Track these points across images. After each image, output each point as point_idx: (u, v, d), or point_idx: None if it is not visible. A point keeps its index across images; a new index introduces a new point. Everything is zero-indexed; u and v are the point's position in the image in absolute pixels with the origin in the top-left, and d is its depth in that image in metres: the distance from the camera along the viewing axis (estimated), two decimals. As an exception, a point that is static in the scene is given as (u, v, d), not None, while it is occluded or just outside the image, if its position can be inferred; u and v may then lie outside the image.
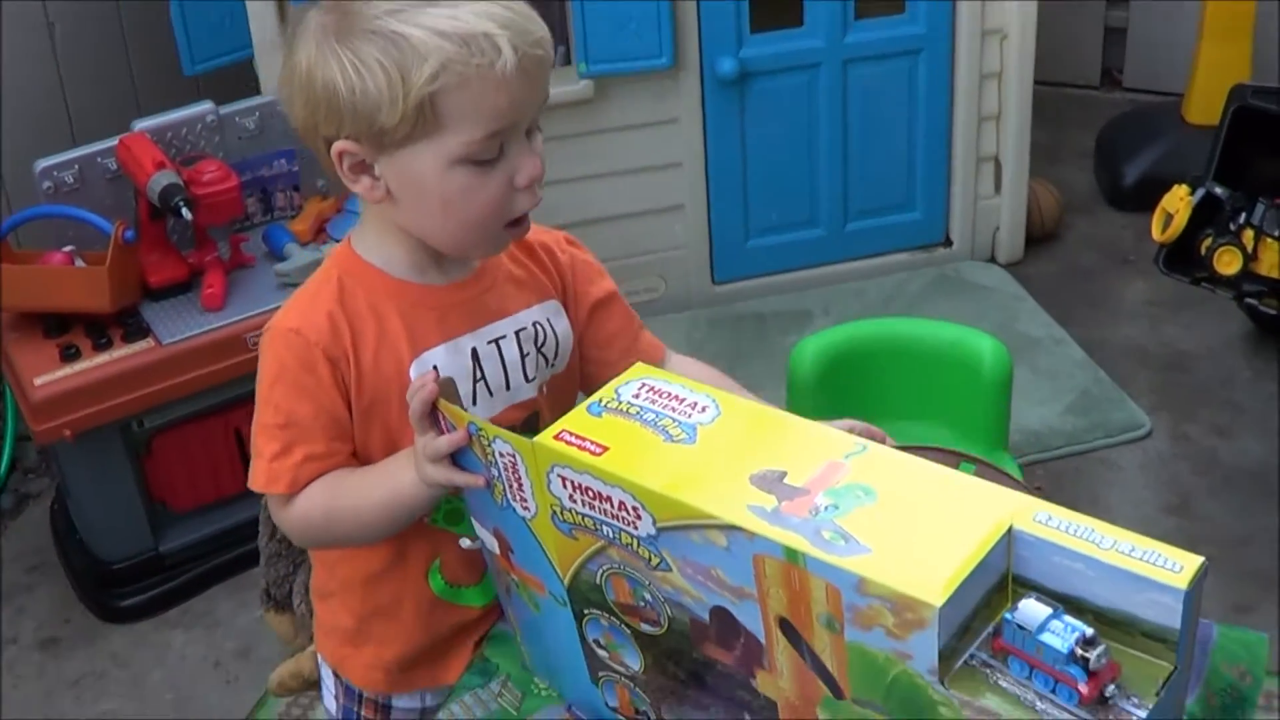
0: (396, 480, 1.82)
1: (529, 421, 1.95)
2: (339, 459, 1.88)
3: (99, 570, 3.84)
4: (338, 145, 1.77)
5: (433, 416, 1.73)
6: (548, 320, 1.99)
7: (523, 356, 1.95)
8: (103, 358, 3.55)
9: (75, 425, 3.49)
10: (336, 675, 2.16)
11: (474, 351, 1.91)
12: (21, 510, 4.30)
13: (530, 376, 1.96)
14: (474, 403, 1.91)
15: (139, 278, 3.68)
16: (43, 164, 3.72)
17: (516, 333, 1.95)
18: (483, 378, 1.92)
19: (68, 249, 3.68)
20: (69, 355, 3.53)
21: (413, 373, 1.86)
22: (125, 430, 3.63)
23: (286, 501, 1.88)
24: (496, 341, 1.93)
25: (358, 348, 1.86)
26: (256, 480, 1.89)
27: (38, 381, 3.48)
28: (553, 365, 2.00)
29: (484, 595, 2.04)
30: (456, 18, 1.69)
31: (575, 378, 2.07)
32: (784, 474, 1.50)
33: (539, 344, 1.97)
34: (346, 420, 1.88)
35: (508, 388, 1.94)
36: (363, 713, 2.15)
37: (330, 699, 2.19)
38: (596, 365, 2.07)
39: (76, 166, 3.72)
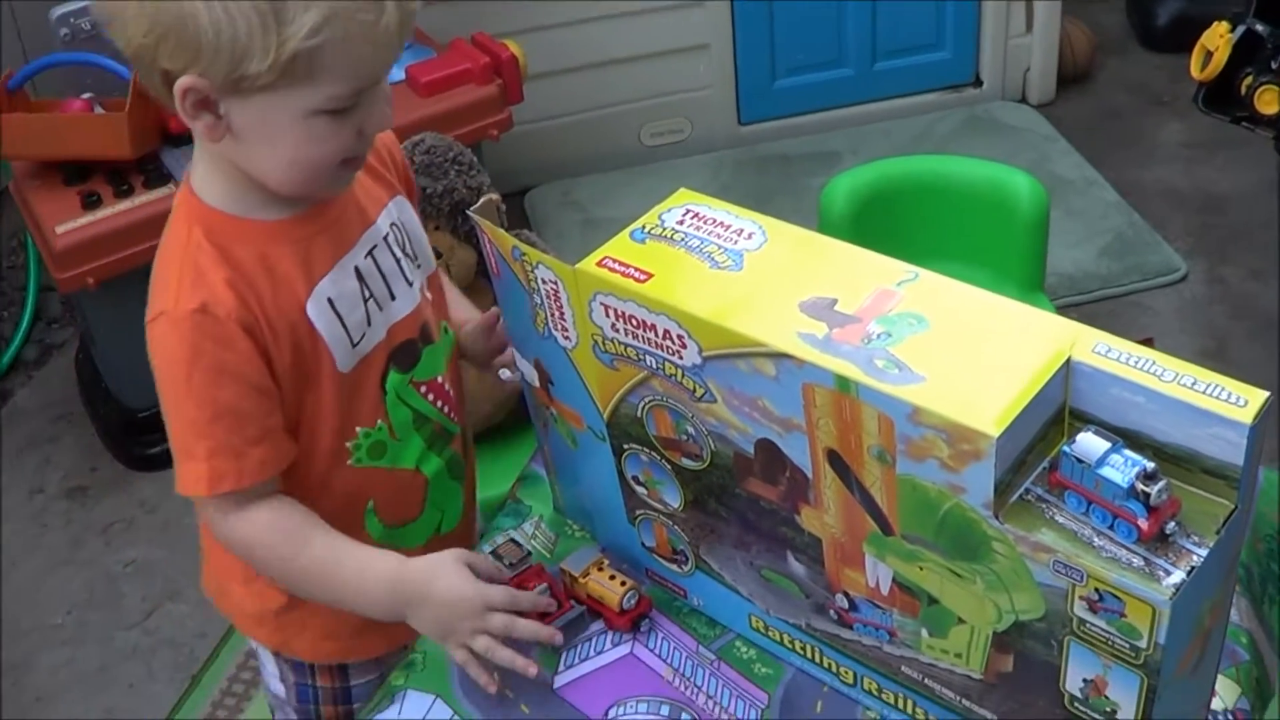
0: (364, 600, 1.77)
1: (424, 333, 1.87)
2: (277, 439, 1.74)
3: (126, 418, 3.84)
4: (184, 81, 1.55)
5: None
6: (400, 220, 1.87)
7: (398, 262, 1.84)
8: (124, 205, 3.50)
9: (98, 273, 3.46)
10: (277, 655, 2.05)
11: (357, 270, 1.78)
12: (46, 360, 4.30)
13: (410, 281, 1.85)
14: (368, 324, 1.79)
15: (159, 124, 3.63)
16: (59, 10, 3.67)
17: (384, 239, 1.83)
18: (371, 296, 1.79)
19: (86, 96, 3.64)
20: (90, 203, 3.49)
21: (310, 312, 1.73)
22: (148, 276, 3.58)
23: (233, 507, 1.73)
24: (372, 254, 1.80)
25: (263, 305, 1.70)
26: (195, 484, 1.71)
27: (59, 230, 3.45)
28: (419, 264, 1.89)
29: (423, 532, 1.96)
30: None
31: (439, 278, 1.97)
32: (834, 301, 1.46)
33: (403, 246, 1.86)
34: (274, 392, 1.73)
35: (393, 298, 1.83)
36: (318, 682, 2.05)
37: (275, 682, 2.08)
38: None
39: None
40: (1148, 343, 1.43)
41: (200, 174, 1.74)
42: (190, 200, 1.74)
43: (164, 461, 3.71)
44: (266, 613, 1.98)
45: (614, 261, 1.55)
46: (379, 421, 1.85)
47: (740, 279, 1.52)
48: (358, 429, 1.82)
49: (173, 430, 1.72)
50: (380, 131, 1.72)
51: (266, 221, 1.73)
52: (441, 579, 1.71)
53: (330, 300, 1.75)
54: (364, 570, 1.75)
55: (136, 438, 3.83)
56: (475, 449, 2.10)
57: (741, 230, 1.58)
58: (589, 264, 1.56)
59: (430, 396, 1.90)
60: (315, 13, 1.51)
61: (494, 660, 1.68)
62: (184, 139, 3.63)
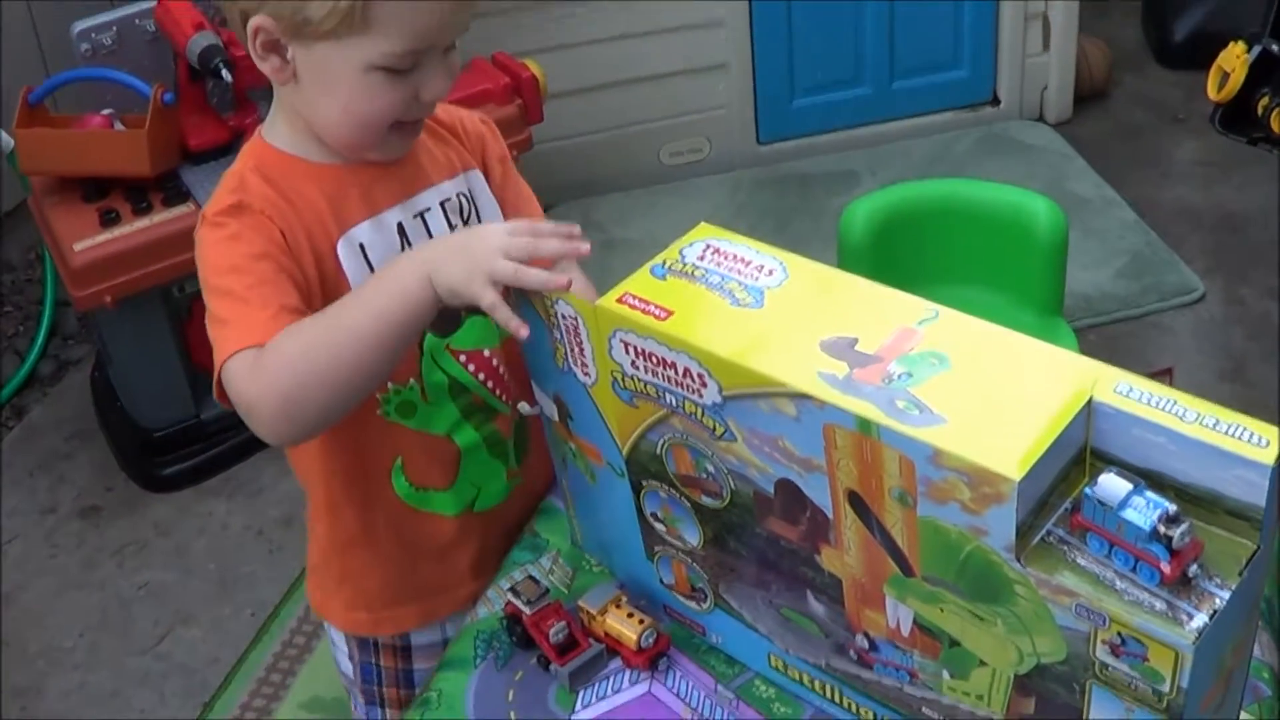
0: (398, 280, 1.66)
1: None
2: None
3: (140, 438, 3.84)
4: (255, 20, 1.69)
5: None
6: (469, 190, 1.92)
7: (450, 229, 1.87)
8: (143, 222, 3.51)
9: (115, 291, 3.46)
10: (347, 635, 2.09)
11: (400, 227, 1.84)
12: (61, 377, 4.30)
13: None
14: None
15: (179, 141, 3.64)
16: (80, 26, 3.68)
17: (442, 204, 1.88)
18: None
19: (106, 112, 3.64)
20: (109, 220, 3.49)
21: (340, 250, 1.79)
22: (166, 296, 3.60)
23: (255, 360, 1.67)
24: (422, 215, 1.86)
25: (296, 223, 1.78)
26: (229, 344, 1.67)
27: (77, 247, 3.45)
28: None
29: (455, 503, 1.98)
30: None
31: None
32: (855, 340, 1.45)
33: (464, 216, 1.90)
34: (306, 288, 1.76)
35: None
36: (382, 662, 2.08)
37: (345, 660, 2.11)
38: None
39: (115, 28, 3.68)
40: (1168, 373, 1.43)
41: (270, 120, 1.86)
42: (255, 141, 1.86)
43: (178, 482, 3.76)
44: (313, 566, 2.07)
45: (634, 298, 1.55)
46: (410, 380, 1.88)
47: (761, 316, 1.51)
48: (389, 383, 1.84)
49: (212, 310, 1.73)
50: (436, 99, 1.77)
51: (311, 161, 1.82)
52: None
53: (362, 246, 1.81)
54: (380, 274, 1.72)
55: (151, 458, 3.83)
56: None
57: (762, 266, 1.58)
58: (609, 300, 1.55)
59: (471, 367, 1.92)
60: None
61: (524, 283, 1.61)
62: (203, 156, 3.64)
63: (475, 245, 1.64)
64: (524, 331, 1.62)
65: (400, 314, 1.65)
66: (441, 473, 1.96)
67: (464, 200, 1.91)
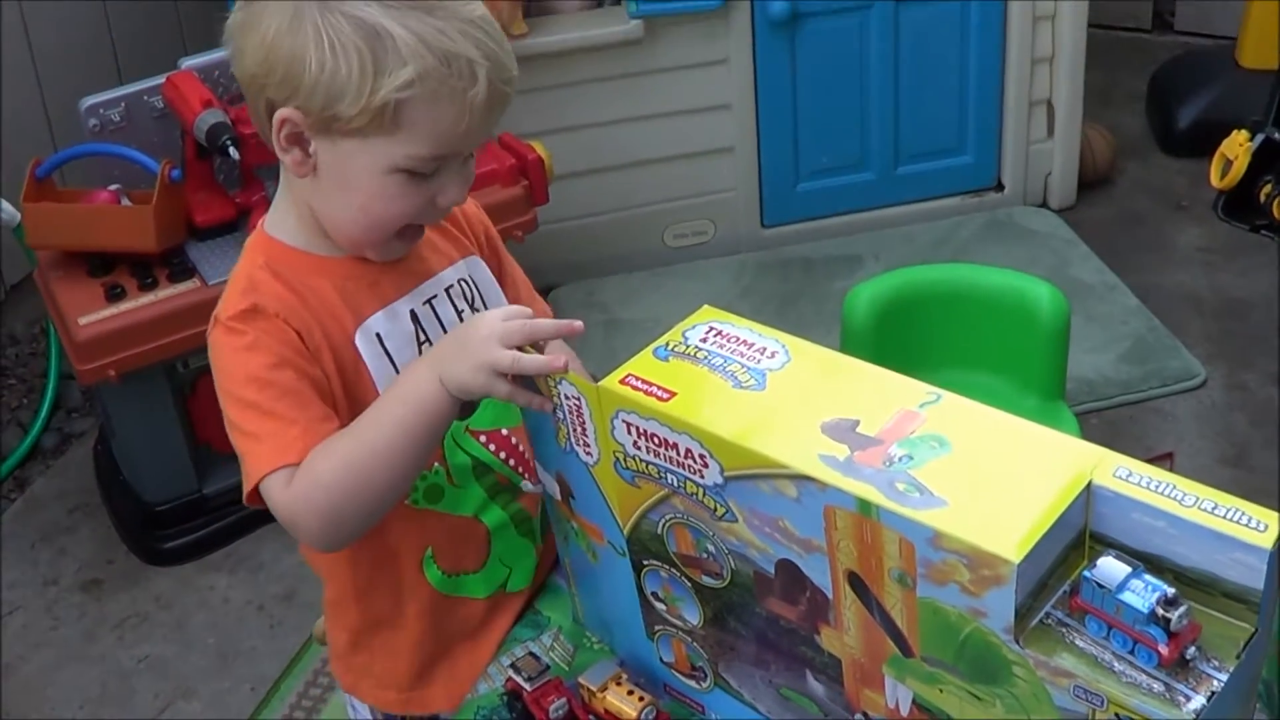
0: (411, 388, 1.70)
1: None
2: (335, 426, 1.76)
3: (142, 511, 3.83)
4: (283, 113, 1.70)
5: None
6: (470, 275, 1.95)
7: (459, 314, 1.90)
8: (148, 298, 3.52)
9: (120, 365, 3.46)
10: (368, 704, 2.09)
11: (413, 314, 1.87)
12: (64, 450, 4.30)
13: None
14: None
15: (185, 217, 3.65)
16: (89, 101, 3.69)
17: (447, 290, 1.90)
18: (426, 339, 1.86)
19: (114, 188, 3.65)
20: (114, 295, 3.50)
21: (358, 342, 1.81)
22: (170, 371, 3.61)
23: (290, 479, 1.72)
24: (430, 302, 1.88)
25: (311, 320, 1.79)
26: (263, 463, 1.72)
27: (82, 321, 3.45)
28: None
29: (486, 585, 1.99)
30: (444, 33, 1.65)
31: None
32: (856, 423, 1.47)
33: (470, 301, 1.92)
34: (329, 390, 1.79)
35: None
36: None
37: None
38: None
39: (123, 104, 3.70)
40: (1168, 458, 1.43)
41: (275, 213, 1.87)
42: (260, 236, 1.87)
43: (179, 556, 3.76)
44: (338, 651, 2.05)
45: (637, 379, 1.56)
46: (435, 465, 1.89)
47: (763, 399, 1.52)
48: None
49: (235, 422, 1.76)
50: (452, 205, 1.80)
51: (319, 255, 1.83)
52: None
53: (379, 336, 1.82)
54: (396, 384, 1.75)
55: (153, 531, 3.82)
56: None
57: (765, 349, 1.59)
58: (612, 381, 1.56)
59: (491, 447, 1.94)
60: (411, 68, 1.64)
61: (523, 370, 1.64)
62: (209, 233, 3.66)
63: (472, 338, 1.67)
64: (549, 405, 1.66)
65: (420, 423, 1.70)
66: (473, 555, 1.97)
67: (466, 286, 1.93)
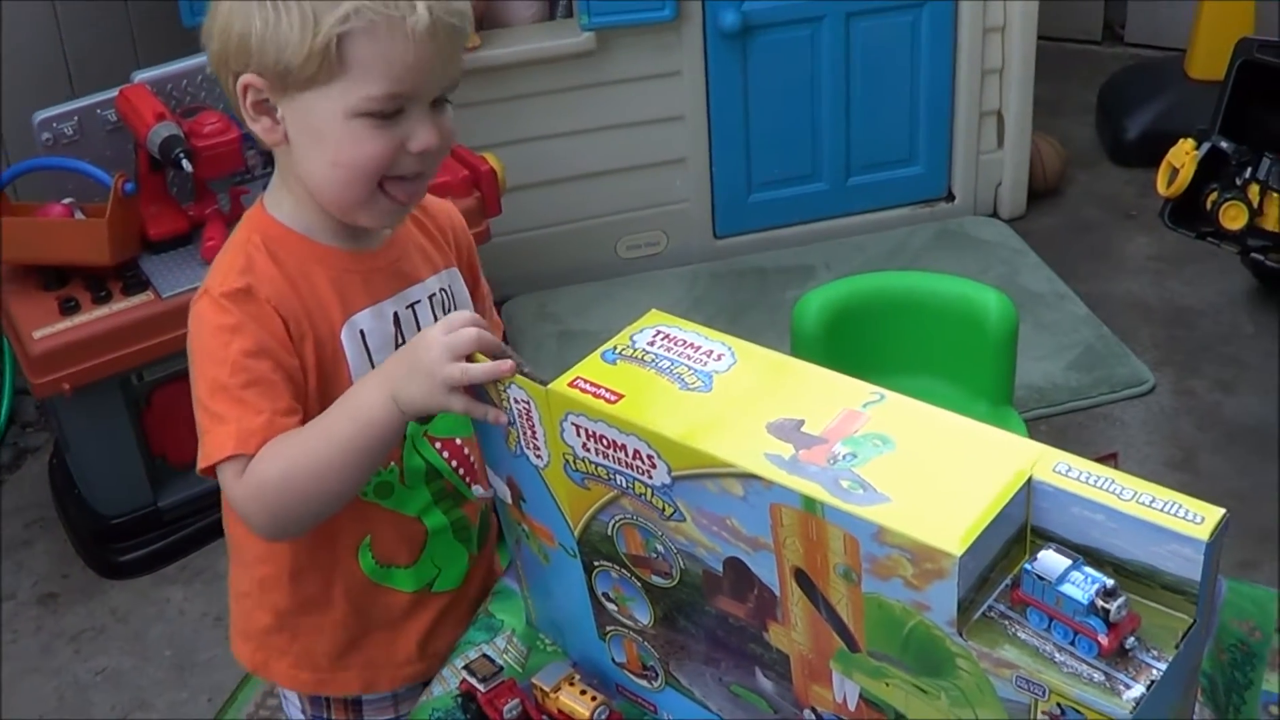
0: (363, 408, 1.72)
1: None
2: (299, 420, 1.79)
3: (98, 525, 3.83)
4: (244, 79, 1.75)
5: None
6: (449, 286, 1.98)
7: (435, 322, 1.89)
8: (102, 311, 3.52)
9: (74, 379, 3.46)
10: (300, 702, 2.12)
11: (395, 316, 1.90)
12: (20, 464, 4.29)
13: None
14: None
15: (139, 230, 3.66)
16: (42, 115, 3.68)
17: (429, 298, 1.94)
18: (403, 343, 1.87)
19: (67, 201, 3.65)
20: (68, 308, 3.50)
21: (343, 337, 1.85)
22: (125, 384, 3.61)
23: (243, 470, 1.75)
24: (413, 307, 1.92)
25: (300, 308, 1.82)
26: (223, 447, 1.75)
27: (36, 335, 3.45)
28: None
29: (414, 580, 2.02)
30: None
31: None
32: (801, 422, 1.48)
33: (445, 311, 1.95)
34: (303, 383, 1.82)
35: None
36: (333, 716, 2.10)
37: (295, 712, 2.13)
38: None
39: (76, 118, 3.69)
40: (1112, 458, 1.45)
41: (272, 192, 1.90)
42: (257, 212, 1.90)
43: (135, 569, 3.75)
44: (252, 631, 2.06)
45: (585, 382, 1.57)
46: (391, 464, 1.92)
47: (709, 400, 1.54)
48: None
49: (202, 399, 1.78)
50: (424, 150, 1.78)
51: (317, 243, 1.87)
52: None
53: (363, 333, 1.86)
54: (348, 398, 1.77)
55: (109, 545, 3.82)
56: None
57: (711, 352, 1.61)
58: (561, 384, 1.58)
59: (445, 454, 1.98)
60: (346, 4, 1.68)
61: (473, 380, 1.66)
62: (163, 246, 3.66)
63: (421, 357, 1.69)
64: (502, 417, 1.67)
65: (367, 443, 1.74)
66: (407, 551, 2.00)
67: (445, 296, 1.96)
